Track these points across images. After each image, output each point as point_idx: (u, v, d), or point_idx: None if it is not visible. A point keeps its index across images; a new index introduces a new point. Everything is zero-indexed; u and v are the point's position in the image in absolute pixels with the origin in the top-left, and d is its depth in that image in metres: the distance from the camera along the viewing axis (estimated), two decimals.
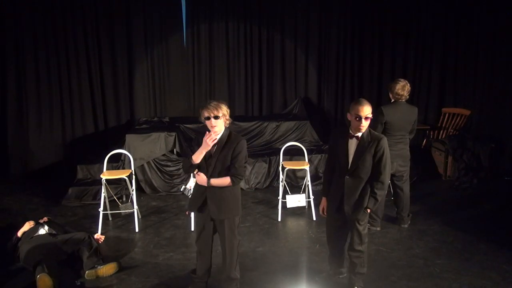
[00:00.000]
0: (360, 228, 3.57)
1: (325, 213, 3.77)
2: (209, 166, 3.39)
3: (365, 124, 3.34)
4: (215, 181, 3.39)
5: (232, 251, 3.56)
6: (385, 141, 3.40)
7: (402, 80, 4.77)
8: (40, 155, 7.18)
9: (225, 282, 3.66)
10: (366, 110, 3.30)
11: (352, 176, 3.45)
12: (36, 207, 5.87)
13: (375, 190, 3.44)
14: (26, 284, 3.93)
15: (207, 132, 3.33)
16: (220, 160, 3.37)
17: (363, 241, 3.62)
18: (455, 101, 7.89)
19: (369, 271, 4.06)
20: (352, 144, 3.42)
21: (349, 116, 3.40)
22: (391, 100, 4.84)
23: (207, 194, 3.43)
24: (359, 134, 3.39)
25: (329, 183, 3.67)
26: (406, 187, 5.02)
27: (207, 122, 3.31)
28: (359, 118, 3.31)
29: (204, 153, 3.34)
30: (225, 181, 3.38)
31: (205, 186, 3.41)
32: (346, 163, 3.44)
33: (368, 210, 3.51)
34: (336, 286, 3.89)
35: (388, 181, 3.51)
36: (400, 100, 4.75)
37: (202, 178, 3.40)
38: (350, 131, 3.43)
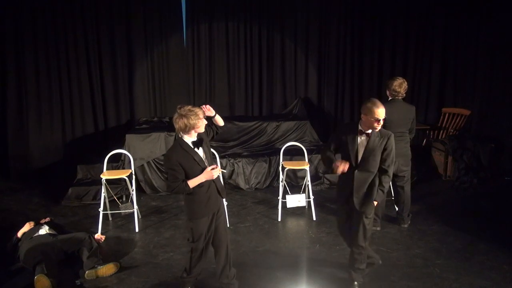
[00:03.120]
0: (366, 222, 3.65)
1: (345, 169, 3.58)
2: (205, 166, 3.47)
3: (380, 125, 3.53)
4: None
5: (229, 239, 3.66)
6: (393, 138, 3.59)
7: (399, 78, 4.83)
8: (40, 155, 7.18)
9: (228, 275, 3.69)
10: (384, 113, 3.46)
11: (361, 170, 3.58)
12: (36, 207, 5.88)
13: (383, 183, 3.58)
14: (26, 284, 3.93)
15: (212, 165, 3.45)
16: (209, 157, 3.53)
17: (366, 236, 3.69)
18: (455, 101, 7.89)
19: (369, 271, 4.06)
20: (362, 140, 3.55)
21: (364, 117, 3.49)
22: (388, 98, 4.87)
23: (217, 188, 3.55)
24: (369, 131, 3.52)
25: (330, 158, 3.68)
26: (407, 187, 5.02)
27: (203, 122, 3.41)
28: (378, 121, 3.46)
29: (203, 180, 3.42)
30: None
31: (210, 183, 3.48)
32: (355, 158, 3.57)
33: (375, 203, 3.60)
34: (336, 285, 3.89)
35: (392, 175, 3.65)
36: (397, 97, 4.80)
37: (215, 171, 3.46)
38: (361, 128, 3.55)
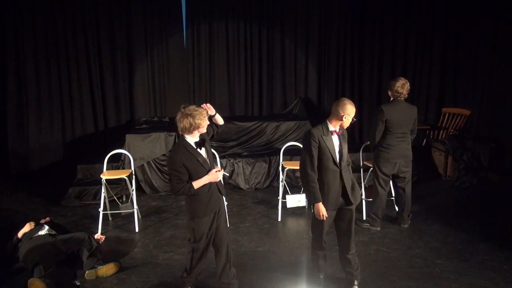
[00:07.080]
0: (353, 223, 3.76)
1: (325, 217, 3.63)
2: (208, 166, 3.48)
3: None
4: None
5: (229, 239, 3.68)
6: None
7: (402, 78, 4.80)
8: (40, 155, 7.18)
9: (229, 274, 3.71)
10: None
11: (344, 168, 3.63)
12: (36, 207, 5.88)
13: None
14: (25, 284, 3.93)
15: (217, 167, 3.50)
16: (210, 157, 3.56)
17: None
18: (455, 101, 7.89)
19: (369, 271, 4.07)
20: (335, 139, 3.60)
21: (343, 115, 3.52)
22: (390, 99, 4.86)
23: (218, 188, 3.56)
24: (337, 129, 3.60)
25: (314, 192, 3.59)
26: (408, 188, 5.02)
27: (206, 122, 3.42)
28: (353, 118, 3.58)
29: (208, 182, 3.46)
30: None
31: (211, 184, 3.50)
32: (337, 158, 3.60)
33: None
34: (336, 285, 3.90)
35: None
36: (399, 98, 4.78)
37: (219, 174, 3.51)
38: (332, 128, 3.58)
